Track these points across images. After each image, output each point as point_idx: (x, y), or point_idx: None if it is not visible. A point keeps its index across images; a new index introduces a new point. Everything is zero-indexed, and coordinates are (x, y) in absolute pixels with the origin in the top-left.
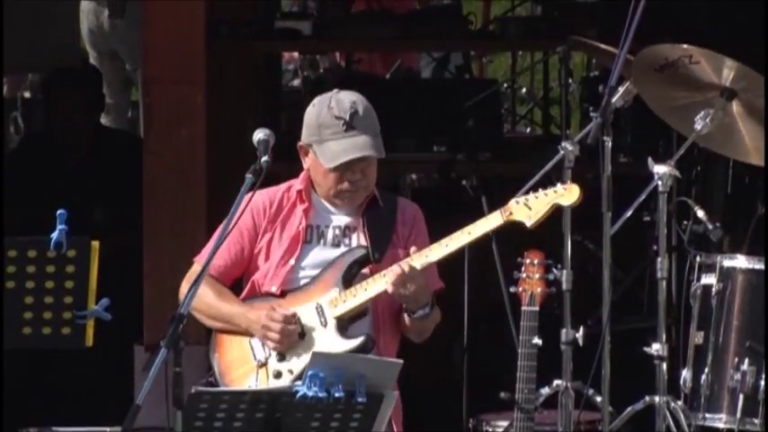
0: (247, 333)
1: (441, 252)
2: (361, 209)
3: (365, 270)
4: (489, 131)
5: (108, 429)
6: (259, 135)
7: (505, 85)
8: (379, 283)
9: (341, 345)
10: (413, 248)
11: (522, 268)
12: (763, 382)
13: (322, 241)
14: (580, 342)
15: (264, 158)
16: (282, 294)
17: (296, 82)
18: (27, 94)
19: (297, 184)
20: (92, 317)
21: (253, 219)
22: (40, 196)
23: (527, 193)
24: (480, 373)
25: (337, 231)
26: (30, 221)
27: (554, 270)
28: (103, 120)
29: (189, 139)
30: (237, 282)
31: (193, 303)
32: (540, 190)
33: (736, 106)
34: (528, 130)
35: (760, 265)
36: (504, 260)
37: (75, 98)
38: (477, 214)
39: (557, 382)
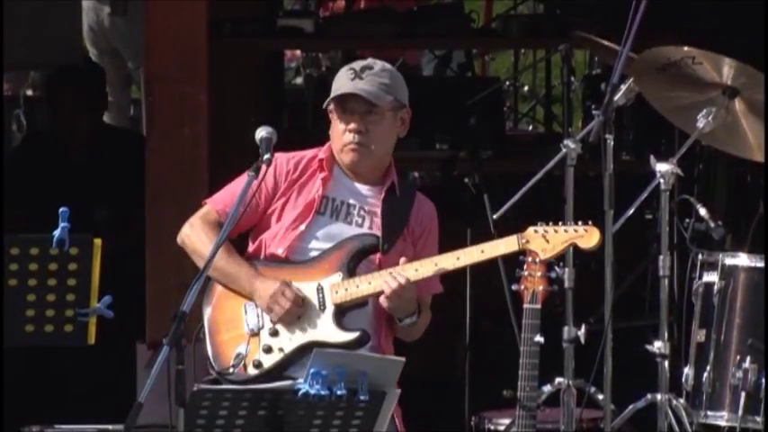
0: (246, 296)
1: (451, 264)
2: (380, 194)
3: (372, 257)
4: (491, 129)
5: (110, 427)
6: (261, 133)
7: (508, 83)
8: (381, 282)
9: (336, 335)
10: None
11: (524, 266)
12: (764, 380)
13: (335, 215)
14: (582, 340)
15: (267, 156)
16: (287, 261)
17: (298, 80)
18: (30, 92)
19: (321, 152)
20: (94, 315)
21: (275, 179)
22: (42, 194)
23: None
24: (482, 370)
25: (352, 210)
26: (32, 219)
27: (556, 268)
28: (105, 118)
29: (191, 138)
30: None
31: (200, 249)
32: (561, 225)
33: (738, 104)
34: (530, 128)
35: (762, 264)
36: (506, 258)
37: (77, 96)
38: (480, 212)
39: (559, 379)
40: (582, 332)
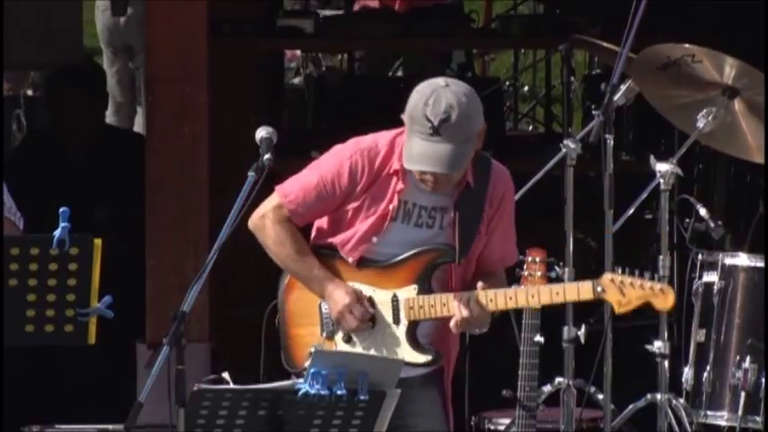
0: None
1: (523, 300)
2: (456, 190)
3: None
4: (491, 129)
5: (111, 427)
6: (261, 133)
7: (507, 83)
8: (455, 305)
9: (410, 355)
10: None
11: (524, 266)
12: (764, 380)
13: (407, 219)
14: (582, 340)
15: (267, 156)
16: (359, 264)
17: (298, 80)
18: (30, 92)
19: (395, 160)
20: (94, 314)
21: (349, 180)
22: (43, 194)
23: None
24: (482, 370)
25: (423, 212)
26: (32, 219)
27: (556, 268)
28: (114, 118)
29: (191, 137)
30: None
31: (272, 246)
32: (638, 276)
33: (738, 104)
34: (530, 128)
35: (761, 263)
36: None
37: (78, 96)
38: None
39: (559, 379)
40: (582, 332)
